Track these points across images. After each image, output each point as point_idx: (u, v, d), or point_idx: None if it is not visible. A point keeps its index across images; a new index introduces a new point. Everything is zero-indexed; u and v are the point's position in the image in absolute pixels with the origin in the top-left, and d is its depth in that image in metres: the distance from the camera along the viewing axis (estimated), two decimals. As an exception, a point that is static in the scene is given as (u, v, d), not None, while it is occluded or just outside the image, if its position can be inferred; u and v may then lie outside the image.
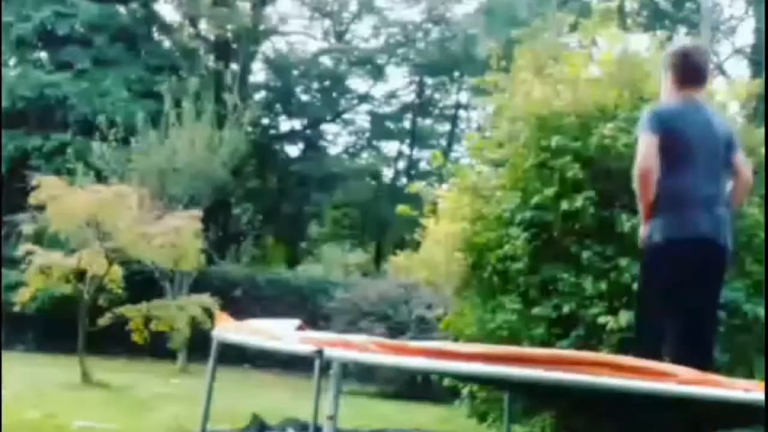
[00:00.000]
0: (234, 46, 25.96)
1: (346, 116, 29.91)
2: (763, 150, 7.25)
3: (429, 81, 29.68)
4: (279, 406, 10.75)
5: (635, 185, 4.77)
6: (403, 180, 28.14)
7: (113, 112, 18.96)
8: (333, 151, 29.38)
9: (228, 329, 4.64)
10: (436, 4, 28.32)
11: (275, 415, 9.03)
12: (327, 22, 29.83)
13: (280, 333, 4.12)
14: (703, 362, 4.09)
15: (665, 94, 4.96)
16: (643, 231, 4.85)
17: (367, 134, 30.05)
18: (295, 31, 29.62)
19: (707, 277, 4.53)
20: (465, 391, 8.26)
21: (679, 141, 4.57)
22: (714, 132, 4.72)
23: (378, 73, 29.26)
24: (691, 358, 4.13)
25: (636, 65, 7.85)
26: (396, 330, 15.22)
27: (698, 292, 4.50)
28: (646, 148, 4.60)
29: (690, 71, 4.76)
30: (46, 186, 12.46)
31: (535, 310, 7.53)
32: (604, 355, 3.89)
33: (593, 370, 3.31)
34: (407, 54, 29.07)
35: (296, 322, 4.42)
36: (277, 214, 27.44)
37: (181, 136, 17.42)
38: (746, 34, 23.46)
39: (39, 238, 14.19)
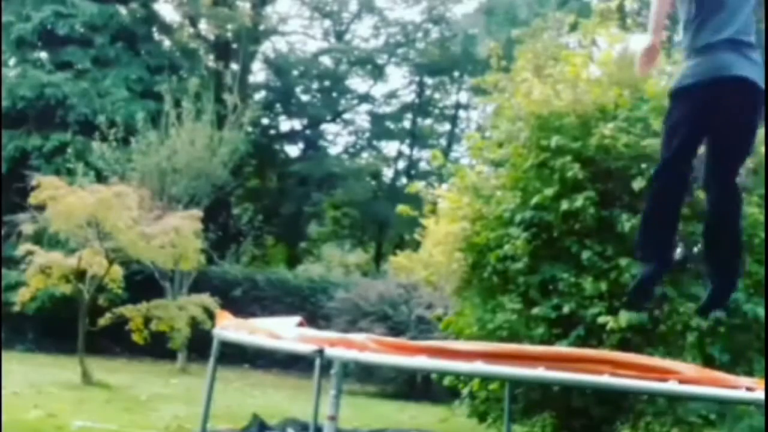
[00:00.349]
0: (234, 46, 25.95)
1: (346, 116, 29.90)
2: (763, 150, 7.25)
3: (429, 81, 29.67)
4: (279, 406, 10.77)
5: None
6: (403, 180, 28.13)
7: (113, 112, 18.96)
8: (333, 151, 29.38)
9: (228, 327, 4.64)
10: (436, 4, 28.32)
11: (275, 415, 9.05)
12: (327, 22, 29.82)
13: (280, 331, 4.12)
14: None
15: None
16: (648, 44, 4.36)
17: (367, 134, 30.03)
18: (295, 31, 29.63)
19: (736, 119, 4.05)
20: (465, 391, 8.26)
21: None
22: None
23: (378, 73, 29.26)
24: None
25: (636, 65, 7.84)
26: (396, 330, 15.22)
27: (725, 135, 4.07)
28: None
29: None
30: (46, 186, 12.45)
31: (535, 310, 7.54)
32: (605, 352, 3.90)
33: (594, 368, 3.31)
34: (407, 54, 29.06)
35: (296, 319, 4.43)
36: (277, 214, 27.43)
37: (181, 136, 17.41)
38: (746, 35, 23.45)
39: (39, 238, 14.19)
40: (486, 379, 7.22)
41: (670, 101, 4.17)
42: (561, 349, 4.48)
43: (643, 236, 4.16)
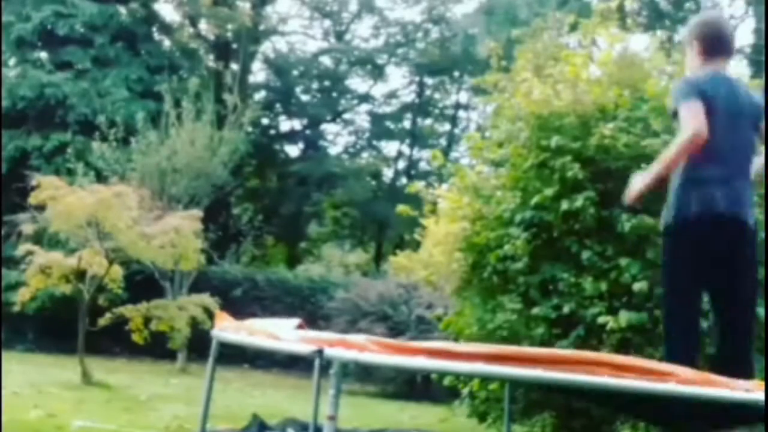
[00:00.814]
0: (234, 46, 25.97)
1: (346, 116, 29.92)
2: (763, 150, 7.24)
3: (429, 81, 29.68)
4: (279, 406, 10.77)
5: (677, 150, 4.25)
6: (403, 180, 28.14)
7: (113, 112, 18.96)
8: (333, 151, 29.40)
9: (227, 329, 4.63)
10: (436, 4, 28.33)
11: (275, 415, 9.04)
12: (327, 22, 29.83)
13: (279, 333, 4.11)
14: (739, 368, 3.94)
15: (691, 65, 4.63)
16: (638, 183, 4.47)
17: (367, 134, 30.05)
18: (295, 31, 29.65)
19: (731, 257, 4.20)
20: (465, 391, 8.26)
21: (710, 110, 4.22)
22: (742, 103, 4.43)
23: (378, 73, 29.27)
24: (727, 364, 4.03)
25: (636, 65, 7.85)
26: (396, 330, 15.22)
27: (723, 275, 4.22)
28: (695, 113, 4.15)
29: (717, 41, 4.48)
30: (46, 186, 12.45)
31: (535, 310, 7.53)
32: (603, 355, 3.89)
33: (593, 370, 3.31)
34: (407, 54, 29.07)
35: (296, 321, 4.42)
36: (277, 214, 27.44)
37: (181, 136, 17.42)
38: (746, 34, 23.46)
39: (39, 238, 14.19)
40: (486, 379, 7.22)
41: (664, 239, 4.47)
42: (560, 351, 4.47)
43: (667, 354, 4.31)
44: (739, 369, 3.89)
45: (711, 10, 20.27)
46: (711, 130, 4.13)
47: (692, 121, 4.15)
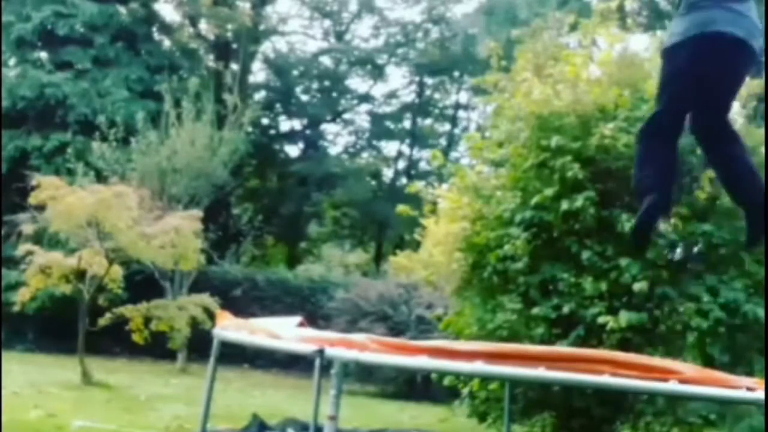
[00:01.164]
0: (234, 46, 25.96)
1: (346, 116, 29.90)
2: (763, 150, 7.25)
3: (429, 81, 29.66)
4: (279, 406, 10.77)
5: None
6: (403, 180, 28.12)
7: (113, 112, 18.95)
8: (333, 151, 29.38)
9: (228, 327, 4.64)
10: (436, 4, 28.32)
11: (275, 415, 9.05)
12: (327, 22, 29.82)
13: (280, 331, 4.12)
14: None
15: None
16: None
17: (367, 134, 30.03)
18: (295, 31, 29.63)
19: (725, 72, 4.08)
20: (465, 390, 8.26)
21: None
22: None
23: (378, 73, 29.26)
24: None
25: (636, 65, 7.86)
26: (396, 330, 15.22)
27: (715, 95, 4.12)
28: None
29: None
30: (46, 186, 12.45)
31: (535, 310, 7.53)
32: (604, 352, 3.90)
33: (593, 367, 3.31)
34: (407, 54, 29.05)
35: (297, 319, 4.42)
36: (277, 214, 27.42)
37: (181, 136, 17.41)
38: (746, 35, 23.45)
39: (39, 238, 14.18)
40: (486, 379, 7.22)
41: (662, 61, 4.26)
42: (561, 349, 4.47)
43: (638, 174, 4.24)
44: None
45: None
46: None
47: None
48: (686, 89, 4.10)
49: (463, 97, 29.27)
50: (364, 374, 15.20)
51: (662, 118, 4.15)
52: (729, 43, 4.01)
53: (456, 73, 28.66)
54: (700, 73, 4.05)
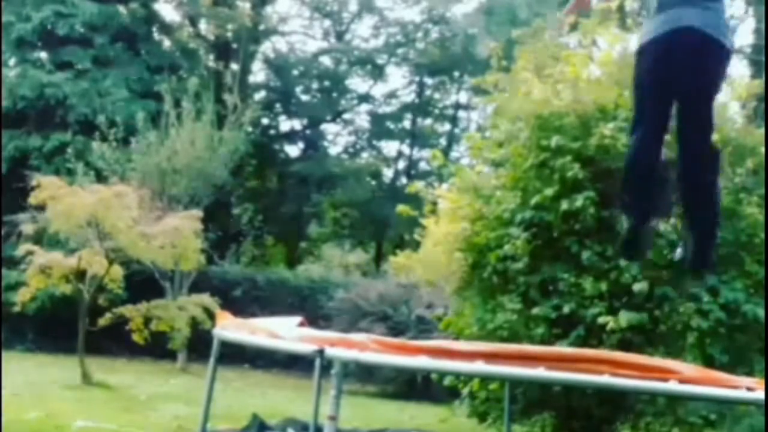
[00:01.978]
0: (234, 46, 25.95)
1: (346, 116, 29.90)
2: (763, 150, 7.26)
3: (429, 81, 29.66)
4: (279, 406, 10.77)
5: None
6: (403, 180, 28.12)
7: (113, 112, 18.94)
8: (333, 151, 29.38)
9: (228, 327, 4.64)
10: (436, 4, 28.31)
11: (275, 415, 9.05)
12: (327, 22, 29.82)
13: (281, 331, 4.12)
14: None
15: None
16: None
17: (367, 134, 30.03)
18: (295, 31, 29.63)
19: (696, 68, 4.08)
20: (465, 391, 8.27)
21: None
22: None
23: (378, 73, 29.25)
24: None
25: (636, 65, 7.83)
26: (396, 330, 15.21)
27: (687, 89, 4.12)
28: None
29: None
30: (46, 186, 12.45)
31: (535, 310, 7.53)
32: (604, 352, 3.90)
33: (594, 368, 3.31)
34: (407, 54, 29.05)
35: (297, 319, 4.43)
36: (277, 214, 27.42)
37: (181, 136, 17.41)
38: (746, 34, 23.44)
39: (39, 238, 14.18)
40: (486, 379, 7.22)
41: (635, 61, 4.31)
42: (561, 349, 4.47)
43: (623, 191, 4.26)
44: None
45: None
46: None
47: None
48: (662, 82, 4.13)
49: (463, 97, 29.28)
50: (364, 374, 15.20)
51: (642, 125, 4.16)
52: (701, 36, 4.03)
53: (456, 73, 28.66)
54: (674, 65, 4.07)
